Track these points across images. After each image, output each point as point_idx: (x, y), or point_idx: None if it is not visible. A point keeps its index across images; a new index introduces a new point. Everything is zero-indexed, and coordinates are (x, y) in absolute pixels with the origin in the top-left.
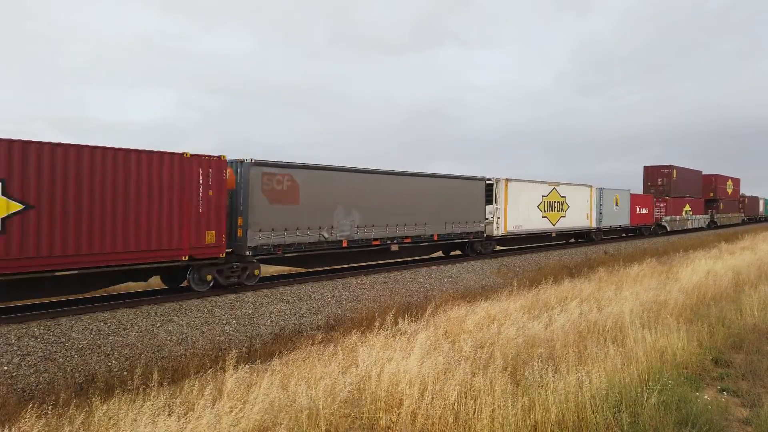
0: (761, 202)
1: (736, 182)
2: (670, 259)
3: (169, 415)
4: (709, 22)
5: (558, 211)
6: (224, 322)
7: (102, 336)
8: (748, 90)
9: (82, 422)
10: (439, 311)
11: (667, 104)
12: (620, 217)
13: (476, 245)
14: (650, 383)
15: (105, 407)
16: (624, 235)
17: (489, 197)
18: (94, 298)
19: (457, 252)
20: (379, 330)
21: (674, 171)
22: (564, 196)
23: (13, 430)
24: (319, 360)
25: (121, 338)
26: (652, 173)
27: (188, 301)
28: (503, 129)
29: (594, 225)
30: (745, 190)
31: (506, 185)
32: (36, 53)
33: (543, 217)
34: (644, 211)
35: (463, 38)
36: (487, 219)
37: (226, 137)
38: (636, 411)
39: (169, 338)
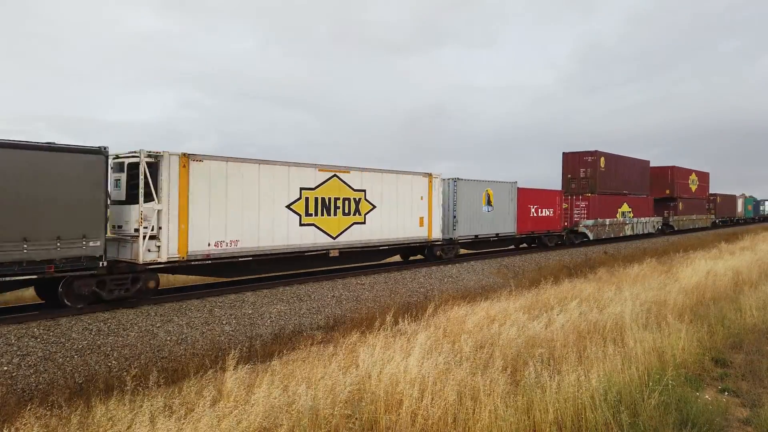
0: (739, 202)
1: (703, 177)
2: (670, 259)
3: (168, 416)
4: (713, 22)
5: (347, 213)
6: (224, 322)
7: (102, 336)
8: (753, 90)
9: (82, 423)
10: (439, 311)
11: (670, 104)
12: (497, 222)
13: (78, 285)
14: (650, 383)
15: (104, 408)
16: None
17: (134, 188)
18: None
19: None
20: (379, 330)
21: (602, 159)
22: (362, 190)
23: (12, 430)
24: (319, 360)
25: (120, 338)
26: (572, 162)
27: (188, 301)
28: (505, 129)
29: (437, 235)
30: (747, 191)
31: (185, 166)
32: (35, 52)
33: (304, 224)
34: (547, 212)
35: (466, 38)
36: (130, 233)
37: (226, 137)
38: (636, 411)
39: (168, 338)
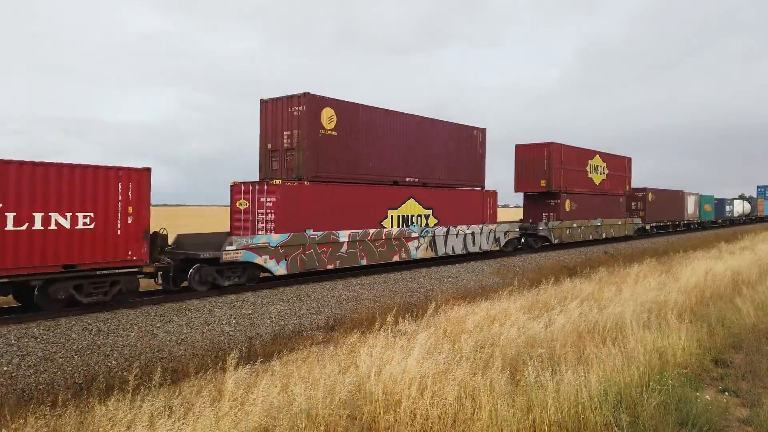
0: (690, 200)
1: (618, 164)
2: (669, 259)
3: (168, 416)
4: (717, 22)
5: None
6: (224, 322)
7: (102, 336)
8: (756, 90)
9: (82, 423)
10: (439, 311)
11: (675, 104)
12: None
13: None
14: (650, 383)
15: (104, 408)
16: None
17: None
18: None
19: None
20: (379, 330)
21: (325, 112)
22: None
23: (12, 430)
24: (318, 360)
25: (120, 339)
26: (272, 120)
27: (188, 301)
28: (508, 129)
29: None
30: (751, 191)
31: None
32: (39, 53)
33: None
34: (66, 222)
35: (470, 38)
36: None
37: (228, 137)
38: (636, 411)
39: (168, 338)
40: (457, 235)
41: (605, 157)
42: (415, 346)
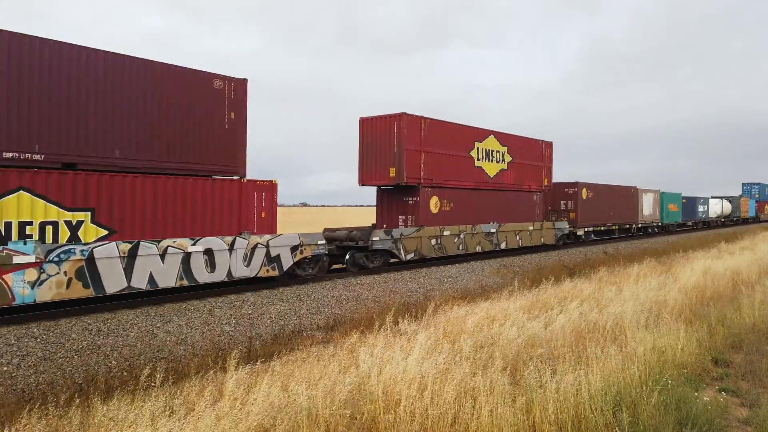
0: (646, 199)
1: (529, 150)
2: (669, 259)
3: (169, 416)
4: (719, 21)
5: None
6: (224, 322)
7: (102, 336)
8: (757, 89)
9: (83, 423)
10: (439, 311)
11: (675, 104)
12: None
13: None
14: (650, 383)
15: (104, 408)
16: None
17: None
18: (95, 299)
19: None
20: (379, 330)
21: None
22: None
23: (12, 430)
24: (318, 360)
25: (120, 339)
26: None
27: (188, 301)
28: (510, 129)
29: None
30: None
31: None
32: None
33: None
34: None
35: (471, 38)
36: None
37: None
38: (636, 411)
39: (168, 338)
40: (163, 255)
41: (506, 139)
42: (415, 346)
